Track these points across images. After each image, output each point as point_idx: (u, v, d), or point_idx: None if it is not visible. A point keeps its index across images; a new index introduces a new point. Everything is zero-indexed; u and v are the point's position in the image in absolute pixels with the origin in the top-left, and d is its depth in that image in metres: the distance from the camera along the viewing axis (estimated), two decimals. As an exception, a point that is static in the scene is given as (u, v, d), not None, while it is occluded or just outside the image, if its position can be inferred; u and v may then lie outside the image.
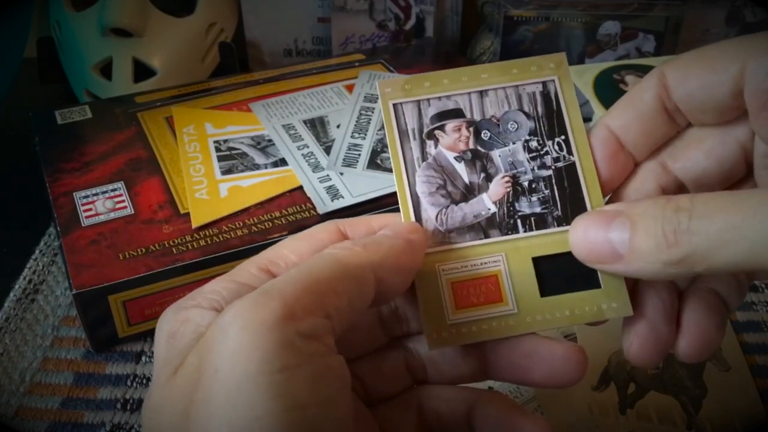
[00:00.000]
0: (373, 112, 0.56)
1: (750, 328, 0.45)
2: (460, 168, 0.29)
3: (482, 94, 0.29)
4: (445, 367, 0.30)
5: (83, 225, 0.45)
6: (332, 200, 0.47)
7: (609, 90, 0.56)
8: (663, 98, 0.27)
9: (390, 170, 0.50)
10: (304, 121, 0.55)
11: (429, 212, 0.28)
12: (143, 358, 0.44)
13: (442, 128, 0.29)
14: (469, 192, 0.29)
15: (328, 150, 0.52)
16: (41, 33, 0.70)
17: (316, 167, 0.50)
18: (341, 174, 0.49)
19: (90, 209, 0.46)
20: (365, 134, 0.53)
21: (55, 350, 0.44)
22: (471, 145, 0.29)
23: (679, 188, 0.28)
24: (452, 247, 0.28)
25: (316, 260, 0.25)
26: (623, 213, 0.25)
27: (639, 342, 0.27)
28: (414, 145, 0.29)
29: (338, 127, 0.54)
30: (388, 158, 0.51)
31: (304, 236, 0.28)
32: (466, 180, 0.29)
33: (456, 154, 0.29)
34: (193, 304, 0.25)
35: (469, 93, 0.29)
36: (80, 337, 0.45)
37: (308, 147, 0.52)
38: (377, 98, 0.57)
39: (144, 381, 0.42)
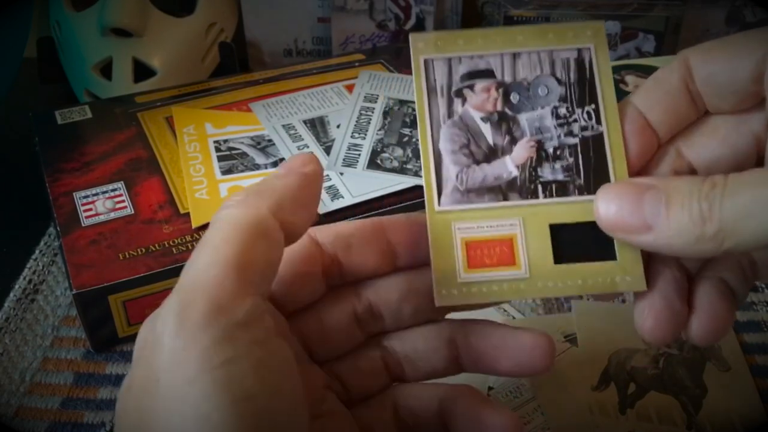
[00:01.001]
0: (373, 112, 0.56)
1: (750, 328, 0.45)
2: (486, 129, 0.29)
3: (515, 56, 0.29)
4: (419, 363, 0.30)
5: (83, 225, 0.45)
6: (332, 200, 0.47)
7: (609, 90, 0.56)
8: (687, 80, 0.27)
9: (389, 170, 0.50)
10: (304, 121, 0.55)
11: (450, 170, 0.28)
12: (143, 358, 0.44)
13: (471, 87, 0.29)
14: (493, 153, 0.28)
15: (328, 150, 0.52)
16: (41, 33, 0.70)
17: (316, 167, 0.50)
18: (341, 174, 0.49)
19: (90, 209, 0.46)
20: (365, 134, 0.53)
21: (55, 350, 0.44)
22: (499, 107, 0.29)
23: (690, 173, 0.28)
24: (470, 207, 0.28)
25: (219, 231, 0.24)
26: (656, 186, 0.25)
27: (654, 316, 0.27)
28: (441, 102, 0.29)
29: (338, 127, 0.54)
30: (388, 158, 0.51)
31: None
32: (491, 141, 0.28)
33: (483, 115, 0.29)
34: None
35: (502, 54, 0.29)
36: (80, 337, 0.45)
37: (308, 147, 0.52)
38: (377, 98, 0.57)
39: (144, 381, 0.42)
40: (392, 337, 0.31)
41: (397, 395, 0.31)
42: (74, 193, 0.48)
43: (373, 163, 0.50)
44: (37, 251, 0.51)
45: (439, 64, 0.29)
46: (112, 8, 0.62)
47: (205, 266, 0.23)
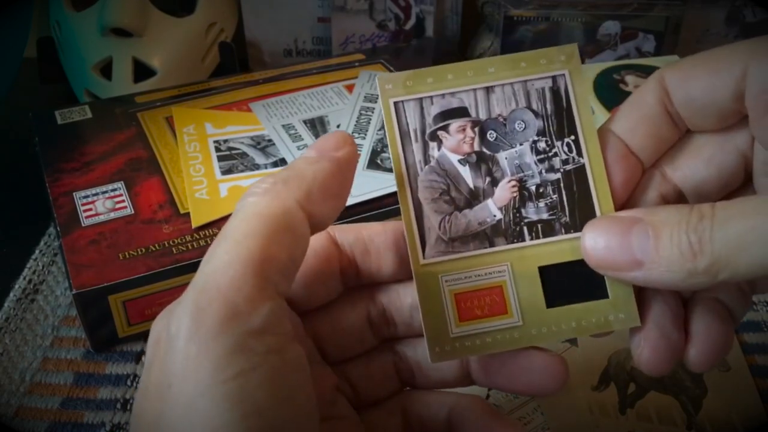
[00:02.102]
0: (373, 112, 0.56)
1: (750, 328, 0.45)
2: (465, 172, 0.27)
3: (488, 90, 0.28)
4: (431, 372, 0.30)
5: (83, 225, 0.45)
6: (332, 200, 0.47)
7: (609, 90, 0.56)
8: (665, 102, 0.26)
9: (390, 170, 0.50)
10: (304, 121, 0.55)
11: (432, 219, 0.27)
12: (143, 358, 0.44)
13: (445, 128, 0.28)
14: (474, 197, 0.27)
15: (328, 150, 0.52)
16: (41, 33, 0.70)
17: (316, 167, 0.50)
18: (341, 174, 0.49)
19: (90, 209, 0.46)
20: (365, 134, 0.53)
21: (55, 350, 0.44)
22: (476, 147, 0.28)
23: (678, 197, 0.28)
24: (456, 257, 0.27)
25: (242, 222, 0.23)
26: (643, 220, 0.24)
27: (650, 348, 0.26)
28: (416, 148, 0.27)
29: (338, 127, 0.54)
30: (388, 158, 0.51)
31: None
32: (471, 185, 0.27)
33: (460, 157, 0.27)
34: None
35: (475, 89, 0.28)
36: (80, 337, 0.45)
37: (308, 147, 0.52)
38: (377, 98, 0.57)
39: (144, 381, 0.42)
40: (405, 343, 0.30)
41: (407, 401, 0.30)
42: (74, 193, 0.48)
43: (373, 163, 0.50)
44: (37, 251, 0.51)
45: (410, 106, 0.27)
46: (112, 8, 0.62)
47: (224, 264, 0.22)
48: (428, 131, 0.28)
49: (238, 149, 0.52)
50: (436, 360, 0.27)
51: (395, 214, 0.47)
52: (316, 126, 0.55)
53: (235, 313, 0.21)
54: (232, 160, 0.51)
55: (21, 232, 0.53)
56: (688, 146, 0.27)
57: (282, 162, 0.51)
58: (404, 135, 0.27)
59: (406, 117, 0.28)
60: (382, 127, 0.53)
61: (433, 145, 0.27)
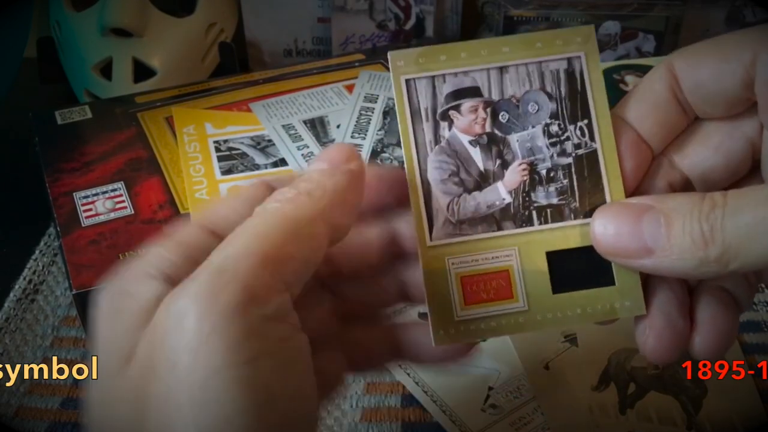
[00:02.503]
0: (373, 112, 0.56)
1: (750, 328, 0.45)
2: (475, 153, 0.27)
3: (502, 70, 0.27)
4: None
5: (83, 225, 0.45)
6: (332, 200, 0.47)
7: (609, 90, 0.56)
8: (674, 89, 0.26)
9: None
10: (304, 121, 0.55)
11: (440, 201, 0.27)
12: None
13: (457, 108, 0.27)
14: (484, 180, 0.27)
15: (328, 150, 0.52)
16: (41, 33, 0.70)
17: (316, 167, 0.50)
18: (341, 174, 0.49)
19: (90, 209, 0.46)
20: (365, 134, 0.53)
21: (55, 350, 0.44)
22: (487, 128, 0.27)
23: (685, 184, 0.27)
24: (463, 240, 0.27)
25: (263, 220, 0.23)
26: (654, 207, 0.24)
27: (655, 336, 0.26)
28: (426, 127, 0.27)
29: (338, 127, 0.54)
30: (388, 158, 0.51)
31: (239, 195, 0.26)
32: (481, 167, 0.27)
33: (471, 138, 0.27)
34: (136, 275, 0.23)
35: (488, 69, 0.27)
36: (80, 337, 0.45)
37: (308, 147, 0.52)
38: (377, 98, 0.57)
39: (144, 381, 0.42)
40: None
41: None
42: (74, 193, 0.48)
43: (373, 163, 0.50)
44: (37, 251, 0.51)
45: (421, 83, 0.27)
46: (112, 8, 0.62)
47: (243, 253, 0.22)
48: (439, 110, 0.27)
49: (238, 149, 0.52)
50: (440, 343, 0.27)
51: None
52: (316, 126, 0.55)
53: (253, 297, 0.21)
54: (232, 160, 0.51)
55: (21, 232, 0.53)
56: (696, 134, 0.27)
57: (282, 162, 0.51)
58: (415, 114, 0.27)
59: (417, 95, 0.27)
60: (382, 128, 0.53)
61: (443, 125, 0.27)
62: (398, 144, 0.52)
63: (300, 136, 0.53)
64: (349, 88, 0.59)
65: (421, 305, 0.29)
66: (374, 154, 0.51)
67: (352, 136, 0.53)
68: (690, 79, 0.26)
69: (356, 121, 0.55)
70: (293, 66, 0.65)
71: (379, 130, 0.54)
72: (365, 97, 0.58)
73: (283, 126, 0.54)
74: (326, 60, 0.66)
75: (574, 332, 0.43)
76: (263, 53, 0.74)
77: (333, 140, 0.53)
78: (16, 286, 0.48)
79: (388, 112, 0.55)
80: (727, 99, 0.26)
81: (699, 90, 0.26)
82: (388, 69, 0.64)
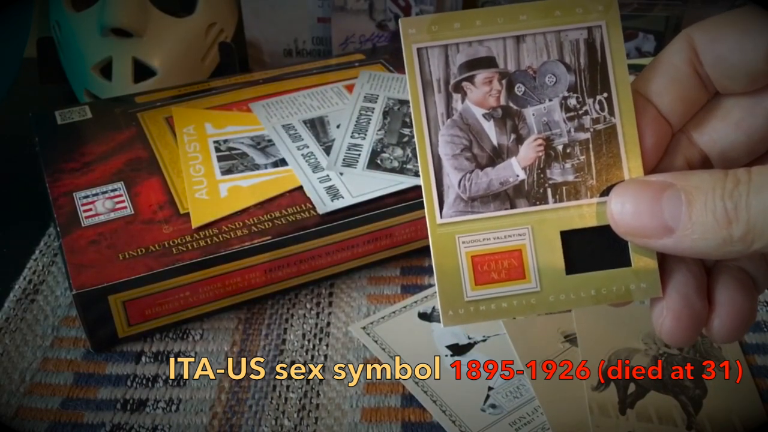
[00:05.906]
0: (373, 112, 0.56)
1: (750, 328, 0.45)
2: (489, 127, 0.26)
3: (519, 39, 0.26)
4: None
5: (83, 225, 0.45)
6: (332, 200, 0.47)
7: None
8: (694, 63, 0.26)
9: (390, 170, 0.50)
10: (304, 121, 0.55)
11: (451, 177, 0.26)
12: (143, 358, 0.44)
13: (471, 79, 0.26)
14: (497, 155, 0.26)
15: (328, 150, 0.52)
16: (41, 33, 0.70)
17: (316, 167, 0.50)
18: (341, 174, 0.49)
19: (90, 209, 0.46)
20: (365, 134, 0.53)
21: (55, 350, 0.44)
22: (502, 101, 0.26)
23: (703, 162, 0.27)
24: (475, 217, 0.26)
25: None
26: (675, 185, 0.23)
27: (673, 317, 0.25)
28: (438, 99, 0.26)
29: (338, 127, 0.54)
30: (388, 158, 0.51)
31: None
32: (495, 141, 0.26)
33: (485, 111, 0.26)
34: None
35: (504, 38, 0.26)
36: (80, 337, 0.45)
37: (308, 147, 0.52)
38: (377, 98, 0.57)
39: (144, 381, 0.42)
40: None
41: None
42: (74, 194, 0.48)
43: (373, 163, 0.50)
44: (37, 251, 0.51)
45: (434, 53, 0.26)
46: (112, 8, 0.62)
47: None
48: (452, 82, 0.26)
49: (238, 149, 0.52)
50: (449, 323, 0.26)
51: (396, 214, 0.47)
52: (316, 126, 0.55)
53: None
54: (232, 160, 0.51)
55: (21, 232, 0.53)
56: (715, 110, 0.26)
57: (282, 162, 0.51)
58: (426, 85, 0.26)
59: (429, 65, 0.26)
60: (382, 127, 0.53)
61: (456, 97, 0.26)
62: (398, 144, 0.52)
63: (300, 136, 0.53)
64: (349, 88, 0.59)
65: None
66: (374, 154, 0.51)
67: (352, 136, 0.53)
68: (711, 52, 0.25)
69: (356, 121, 0.55)
70: (293, 66, 0.65)
71: (379, 130, 0.54)
72: (365, 97, 0.58)
73: (283, 126, 0.54)
74: (326, 60, 0.66)
75: (573, 332, 0.43)
76: (263, 53, 0.74)
77: (333, 140, 0.53)
78: (16, 286, 0.48)
79: (388, 112, 0.55)
80: (749, 73, 0.25)
81: (720, 64, 0.25)
82: (388, 69, 0.64)
